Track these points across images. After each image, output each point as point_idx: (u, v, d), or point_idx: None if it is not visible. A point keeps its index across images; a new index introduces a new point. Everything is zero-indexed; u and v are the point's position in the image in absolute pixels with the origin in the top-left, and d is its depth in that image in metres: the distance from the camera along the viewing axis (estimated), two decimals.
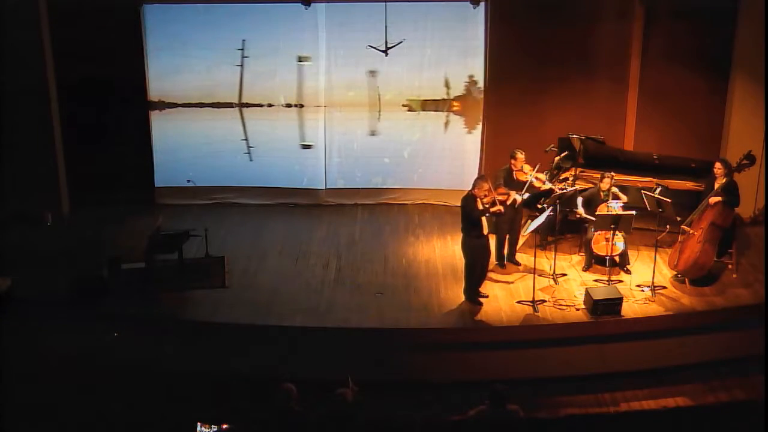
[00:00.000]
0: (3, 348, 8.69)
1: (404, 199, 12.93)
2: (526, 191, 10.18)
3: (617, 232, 10.13)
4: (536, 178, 10.40)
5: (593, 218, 10.26)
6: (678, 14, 11.87)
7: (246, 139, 12.66)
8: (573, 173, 11.24)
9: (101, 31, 11.84)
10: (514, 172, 10.41)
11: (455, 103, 12.54)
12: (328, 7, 12.17)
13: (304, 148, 12.68)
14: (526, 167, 10.43)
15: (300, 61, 12.32)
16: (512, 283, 10.37)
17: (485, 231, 9.63)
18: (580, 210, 10.49)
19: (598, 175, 10.75)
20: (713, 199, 9.98)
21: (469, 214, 9.52)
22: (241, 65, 12.34)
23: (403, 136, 12.74)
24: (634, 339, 9.45)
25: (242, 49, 12.29)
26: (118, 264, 10.24)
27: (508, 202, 10.16)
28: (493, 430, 7.13)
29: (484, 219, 9.59)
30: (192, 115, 12.63)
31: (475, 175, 12.15)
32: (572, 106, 12.13)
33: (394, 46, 11.58)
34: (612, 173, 10.58)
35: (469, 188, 9.68)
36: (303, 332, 9.40)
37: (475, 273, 9.80)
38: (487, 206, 9.48)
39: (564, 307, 9.77)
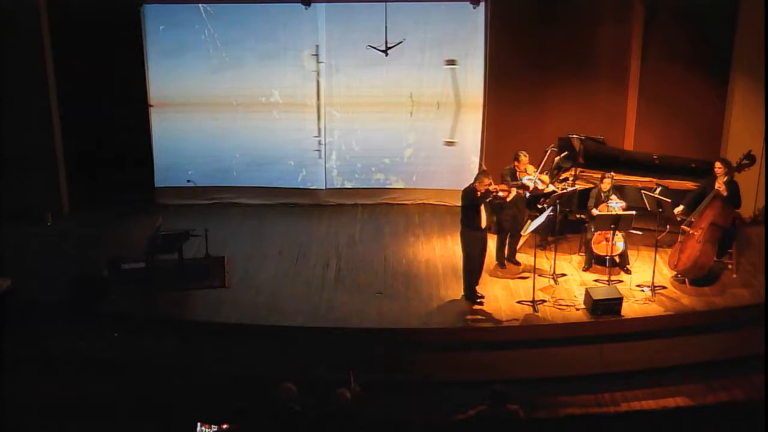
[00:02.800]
0: (3, 348, 8.68)
1: (404, 199, 12.93)
2: (530, 191, 10.20)
3: (617, 232, 10.15)
4: (540, 180, 10.41)
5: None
6: (678, 14, 11.86)
7: (319, 136, 12.64)
8: (573, 173, 11.25)
9: (101, 31, 11.84)
10: (518, 173, 10.43)
11: (455, 104, 12.53)
12: (328, 7, 12.17)
13: (448, 144, 12.67)
14: (530, 168, 10.45)
15: (449, 65, 12.31)
16: (512, 283, 10.37)
17: (483, 224, 9.62)
18: (596, 211, 10.43)
19: (598, 175, 10.76)
20: (719, 186, 9.91)
21: (469, 203, 9.53)
22: (317, 71, 12.33)
23: (403, 136, 12.74)
24: (634, 339, 9.45)
25: (317, 54, 12.27)
26: (118, 264, 10.24)
27: (509, 199, 10.16)
28: (493, 430, 7.13)
29: (483, 213, 9.58)
30: (192, 115, 12.63)
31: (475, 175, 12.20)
32: (572, 107, 12.13)
33: (394, 46, 11.57)
34: (612, 173, 10.57)
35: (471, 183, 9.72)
36: (303, 332, 9.40)
37: (473, 267, 9.80)
38: (487, 191, 9.48)
39: (564, 307, 9.78)
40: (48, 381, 8.62)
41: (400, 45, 11.62)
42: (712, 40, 11.84)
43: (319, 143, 12.67)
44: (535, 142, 11.28)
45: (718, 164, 10.13)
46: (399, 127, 12.70)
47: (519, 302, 9.89)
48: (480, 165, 12.26)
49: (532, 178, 10.33)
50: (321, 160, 12.75)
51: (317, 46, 12.21)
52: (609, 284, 10.07)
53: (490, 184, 9.58)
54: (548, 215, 9.82)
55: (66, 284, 9.93)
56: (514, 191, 10.17)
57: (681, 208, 10.12)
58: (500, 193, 9.82)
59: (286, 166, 12.84)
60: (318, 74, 12.39)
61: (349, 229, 12.09)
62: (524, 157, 10.42)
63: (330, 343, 9.25)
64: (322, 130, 12.64)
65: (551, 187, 10.55)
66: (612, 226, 10.03)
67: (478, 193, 9.51)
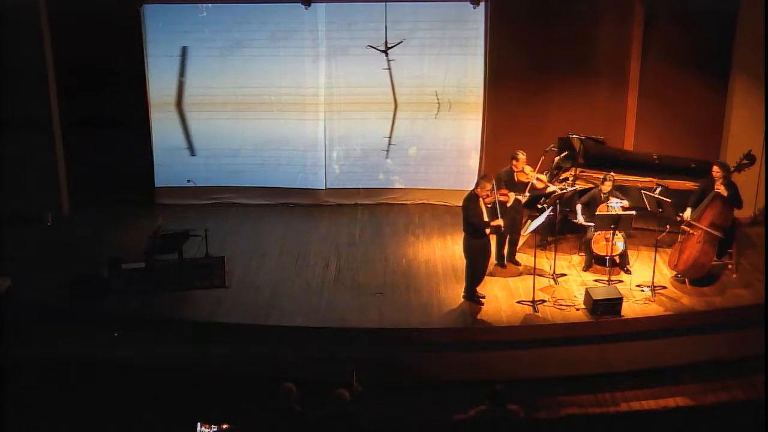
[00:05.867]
0: (3, 348, 8.68)
1: (404, 199, 12.93)
2: (528, 191, 10.20)
3: (618, 232, 10.16)
4: (538, 179, 10.41)
5: (591, 224, 10.30)
6: (678, 15, 11.86)
7: (389, 137, 12.66)
8: (573, 173, 11.24)
9: (101, 32, 11.84)
10: (515, 173, 10.40)
11: (455, 103, 12.53)
12: (328, 7, 12.17)
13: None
14: (527, 168, 10.44)
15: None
16: (512, 283, 10.37)
17: (486, 231, 9.63)
18: (580, 218, 10.47)
19: (598, 175, 10.76)
20: (718, 189, 9.91)
21: (468, 216, 9.53)
22: (389, 68, 12.30)
23: (403, 136, 12.74)
24: (634, 339, 9.45)
25: (385, 52, 12.21)
26: (118, 264, 10.24)
27: (509, 204, 10.17)
28: (493, 430, 7.13)
29: (485, 219, 9.59)
30: (192, 115, 12.63)
31: (475, 175, 12.20)
32: (572, 106, 12.13)
33: (394, 46, 11.59)
34: (613, 174, 10.57)
35: (471, 188, 9.71)
36: (303, 332, 9.40)
37: (476, 272, 9.82)
38: (487, 221, 9.50)
39: (564, 307, 9.78)
40: (48, 381, 8.61)
41: (400, 45, 11.62)
42: (712, 40, 11.84)
43: (390, 143, 12.67)
44: (535, 142, 11.28)
45: (716, 168, 10.11)
46: (398, 126, 12.69)
47: (519, 302, 9.89)
48: (479, 171, 12.28)
49: (530, 177, 10.32)
50: (323, 160, 12.76)
51: (385, 42, 12.06)
52: (609, 284, 10.07)
53: (491, 190, 9.57)
54: (548, 215, 9.82)
55: (66, 284, 9.94)
56: (512, 196, 10.17)
57: (689, 211, 10.10)
58: (501, 198, 9.83)
59: (286, 166, 12.83)
60: (390, 71, 12.35)
61: (349, 229, 12.08)
62: (522, 156, 10.40)
63: (330, 343, 9.25)
64: (324, 130, 12.65)
65: (552, 187, 10.54)
66: (612, 226, 10.03)
67: (480, 198, 9.50)
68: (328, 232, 11.97)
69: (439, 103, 12.50)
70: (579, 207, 10.54)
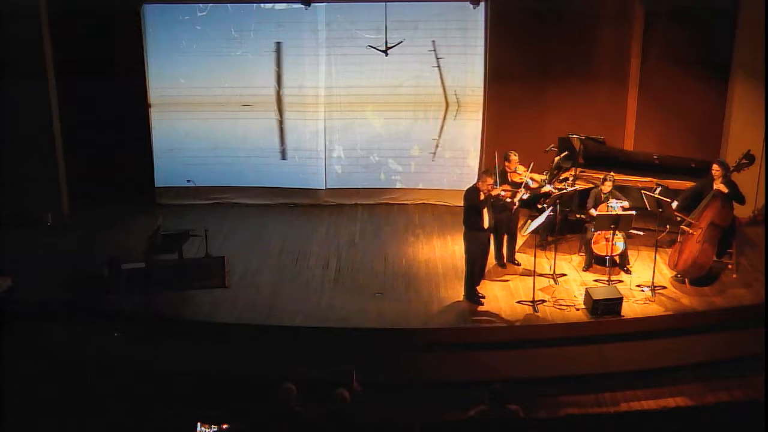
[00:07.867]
0: (3, 348, 8.69)
1: (404, 199, 12.93)
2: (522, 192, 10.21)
3: (618, 232, 10.15)
4: (531, 179, 10.40)
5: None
6: (678, 14, 11.87)
7: (438, 138, 12.63)
8: (573, 173, 11.24)
9: (101, 31, 11.84)
10: (508, 174, 10.39)
11: (455, 103, 12.54)
12: (328, 7, 12.17)
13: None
14: (520, 168, 10.44)
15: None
16: (512, 283, 10.37)
17: (486, 225, 9.63)
18: (594, 211, 10.41)
19: (598, 175, 10.75)
20: (718, 188, 9.91)
21: (472, 205, 9.54)
22: (438, 66, 12.28)
23: (402, 137, 12.74)
24: (634, 339, 9.45)
25: (434, 50, 12.20)
26: (118, 264, 10.24)
27: (515, 200, 10.15)
28: (493, 430, 7.13)
29: (486, 214, 9.59)
30: (192, 115, 12.63)
31: (475, 175, 12.20)
32: (572, 106, 12.13)
33: (394, 46, 11.57)
34: (613, 174, 10.57)
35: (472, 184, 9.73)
36: (303, 332, 9.41)
37: (476, 268, 9.81)
38: (490, 194, 9.49)
39: (564, 307, 9.78)
40: (48, 381, 8.62)
41: (400, 45, 11.63)
42: (712, 40, 11.84)
43: (437, 145, 12.64)
44: (535, 142, 11.29)
45: (715, 167, 10.11)
46: (399, 126, 12.70)
47: (519, 302, 9.88)
48: (479, 171, 12.27)
49: (524, 177, 10.31)
50: (323, 160, 12.75)
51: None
52: (609, 284, 10.07)
53: (493, 184, 9.58)
54: (548, 215, 9.82)
55: (66, 284, 9.94)
56: (519, 192, 10.16)
57: (675, 204, 10.11)
58: (502, 194, 9.82)
59: (286, 166, 12.84)
60: (440, 70, 12.33)
61: (349, 229, 12.09)
62: (514, 157, 10.40)
63: (330, 343, 9.25)
64: (324, 130, 12.65)
65: (547, 187, 10.53)
66: (612, 226, 10.03)
67: (481, 193, 9.51)
68: (328, 232, 11.97)
69: (458, 103, 12.49)
70: (593, 211, 10.45)
